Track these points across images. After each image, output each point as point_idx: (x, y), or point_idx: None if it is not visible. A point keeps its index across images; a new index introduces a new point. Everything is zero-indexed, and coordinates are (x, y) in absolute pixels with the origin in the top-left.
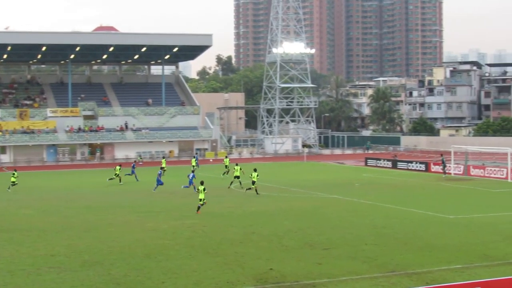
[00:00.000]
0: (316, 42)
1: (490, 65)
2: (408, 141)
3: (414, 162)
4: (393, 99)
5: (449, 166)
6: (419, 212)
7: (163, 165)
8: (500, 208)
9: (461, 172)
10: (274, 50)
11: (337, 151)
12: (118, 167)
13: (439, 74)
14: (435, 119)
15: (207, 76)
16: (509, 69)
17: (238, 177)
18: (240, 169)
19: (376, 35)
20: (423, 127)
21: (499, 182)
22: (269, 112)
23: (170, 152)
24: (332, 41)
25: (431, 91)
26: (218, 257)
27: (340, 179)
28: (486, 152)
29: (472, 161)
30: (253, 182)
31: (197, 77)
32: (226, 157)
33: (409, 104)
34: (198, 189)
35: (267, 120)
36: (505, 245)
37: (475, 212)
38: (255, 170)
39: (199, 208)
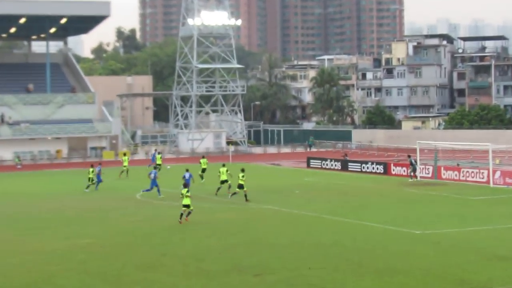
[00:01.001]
0: (243, 11)
1: (464, 39)
2: (361, 136)
3: (370, 163)
4: (342, 82)
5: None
6: (377, 227)
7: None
8: (479, 221)
9: (429, 175)
10: (189, 21)
11: (272, 149)
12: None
13: (400, 51)
14: (396, 107)
15: (104, 55)
16: (488, 43)
17: (225, 181)
18: (227, 171)
19: (319, 2)
20: (380, 118)
21: (478, 187)
22: (184, 100)
23: (57, 152)
24: (264, 10)
25: (389, 72)
26: (121, 286)
27: (275, 185)
28: (461, 149)
29: (443, 160)
30: (240, 186)
31: (91, 56)
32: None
33: (362, 89)
34: (181, 194)
35: (181, 111)
36: (486, 267)
37: (447, 226)
38: (242, 171)
39: (182, 216)
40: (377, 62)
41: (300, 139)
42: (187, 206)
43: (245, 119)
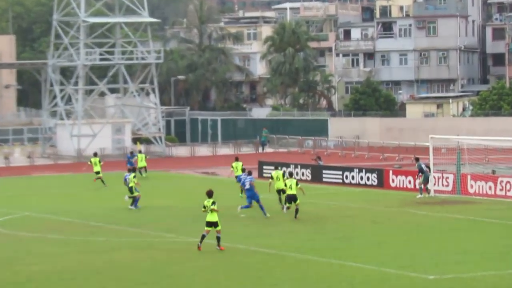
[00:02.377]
0: None
1: None
2: (343, 129)
3: (357, 170)
4: (313, 45)
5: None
6: (372, 269)
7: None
8: None
9: (449, 188)
10: None
11: (203, 150)
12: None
13: None
14: (396, 83)
15: None
16: None
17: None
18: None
19: None
20: (373, 100)
21: None
22: (66, 74)
23: None
24: None
25: (387, 28)
26: None
27: (218, 203)
28: (497, 148)
29: (471, 165)
30: (291, 199)
31: None
32: None
33: (345, 56)
34: (204, 207)
35: (61, 91)
36: None
37: (477, 268)
38: (290, 175)
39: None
40: (367, 13)
41: (247, 133)
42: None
43: (163, 104)
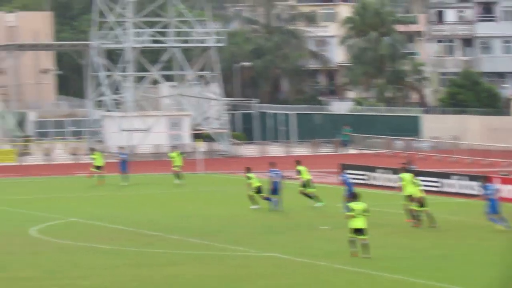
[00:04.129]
0: None
1: None
2: (438, 127)
3: (456, 177)
4: (400, 28)
5: None
6: None
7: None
8: None
9: None
10: None
11: (275, 150)
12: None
13: None
14: (500, 75)
15: None
16: None
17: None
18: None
19: None
20: (473, 94)
21: None
22: (113, 58)
23: None
24: None
25: (488, 10)
26: None
27: (284, 216)
28: None
29: None
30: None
31: None
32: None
33: (438, 42)
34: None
35: (108, 77)
36: None
37: None
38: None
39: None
40: None
41: (325, 131)
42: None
43: (226, 95)
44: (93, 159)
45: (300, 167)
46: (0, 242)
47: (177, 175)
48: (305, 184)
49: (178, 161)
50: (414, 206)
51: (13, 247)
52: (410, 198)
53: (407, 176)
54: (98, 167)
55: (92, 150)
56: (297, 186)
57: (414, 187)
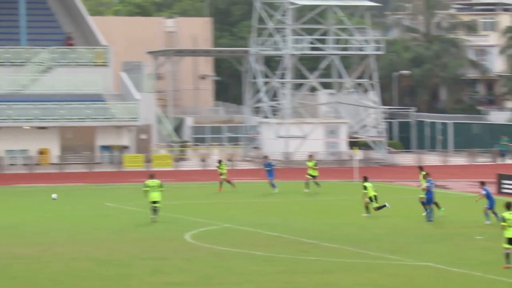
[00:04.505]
0: None
1: None
2: None
3: None
4: None
5: None
6: None
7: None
8: None
9: None
10: None
11: (431, 158)
12: None
13: None
14: None
15: None
16: None
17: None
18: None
19: None
20: None
21: None
22: (271, 64)
23: (42, 152)
24: None
25: None
26: None
27: (438, 225)
28: None
29: None
30: None
31: None
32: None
33: None
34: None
35: (266, 84)
36: None
37: None
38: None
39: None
40: None
41: (483, 141)
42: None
43: (383, 103)
44: (220, 170)
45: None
46: (156, 247)
47: (307, 184)
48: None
49: (313, 171)
50: None
51: (167, 252)
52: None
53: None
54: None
55: (219, 161)
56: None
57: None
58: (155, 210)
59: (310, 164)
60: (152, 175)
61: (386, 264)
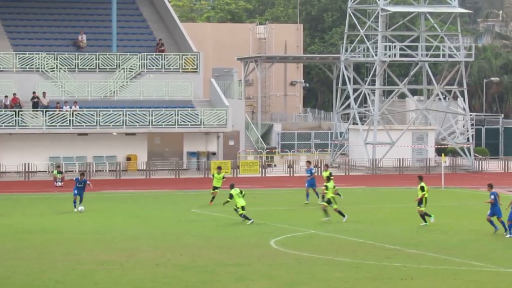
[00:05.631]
0: None
1: None
2: None
3: None
4: None
5: None
6: None
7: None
8: None
9: None
10: None
11: None
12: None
13: None
14: None
15: None
16: None
17: None
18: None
19: None
20: None
21: None
22: (361, 71)
23: (129, 159)
24: None
25: None
26: None
27: None
28: None
29: None
30: None
31: None
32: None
33: None
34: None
35: (355, 90)
36: None
37: None
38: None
39: None
40: None
41: None
42: None
43: (472, 109)
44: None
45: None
46: (241, 253)
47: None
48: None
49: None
50: None
51: (252, 258)
52: None
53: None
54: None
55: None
56: None
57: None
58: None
59: (325, 174)
60: (232, 185)
61: (470, 270)
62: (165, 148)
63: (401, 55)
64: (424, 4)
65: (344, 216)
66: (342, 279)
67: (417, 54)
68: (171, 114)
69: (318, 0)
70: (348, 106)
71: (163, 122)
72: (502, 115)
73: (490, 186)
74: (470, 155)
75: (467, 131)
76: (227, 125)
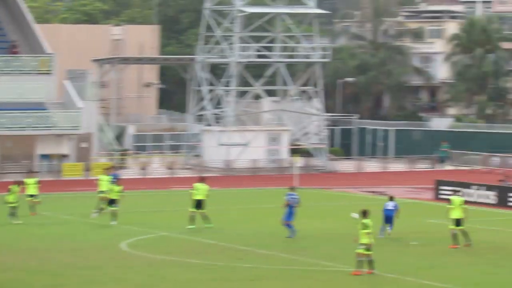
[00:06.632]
0: None
1: None
2: None
3: None
4: (506, 45)
5: None
6: None
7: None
8: None
9: None
10: None
11: (371, 165)
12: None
13: None
14: None
15: None
16: None
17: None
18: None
19: None
20: None
21: None
22: (216, 72)
23: None
24: None
25: None
26: None
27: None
28: None
29: None
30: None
31: None
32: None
33: None
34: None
35: (211, 92)
36: None
37: None
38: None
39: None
40: None
41: (425, 147)
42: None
43: (328, 110)
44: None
45: None
46: (91, 256)
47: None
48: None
49: (104, 185)
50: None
51: (103, 261)
52: (455, 221)
53: (457, 200)
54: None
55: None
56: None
57: (460, 212)
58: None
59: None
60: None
61: (322, 270)
62: (17, 151)
63: (257, 56)
64: (281, 5)
65: None
66: (193, 281)
67: (273, 55)
68: (23, 117)
69: (175, 1)
70: (203, 107)
71: (14, 124)
72: (358, 115)
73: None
74: (323, 155)
75: (321, 131)
76: (80, 127)
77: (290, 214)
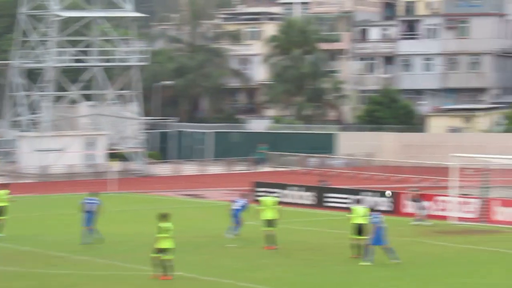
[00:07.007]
0: None
1: None
2: (354, 144)
3: (365, 193)
4: (324, 46)
5: (447, 202)
6: None
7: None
8: None
9: (475, 215)
10: None
11: (190, 168)
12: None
13: None
14: (418, 92)
15: None
16: None
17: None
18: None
19: None
20: (390, 111)
21: None
22: (33, 77)
23: None
24: None
25: (411, 28)
26: None
27: (194, 234)
28: None
29: (502, 189)
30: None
31: None
32: None
33: (361, 59)
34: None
35: (27, 97)
36: None
37: None
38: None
39: None
40: (389, 11)
41: (243, 149)
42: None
43: (146, 113)
44: None
45: None
46: None
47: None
48: None
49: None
50: None
51: None
52: (268, 222)
53: (268, 201)
54: None
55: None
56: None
57: (273, 213)
58: None
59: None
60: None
61: (139, 275)
62: None
63: (74, 61)
64: (98, 9)
65: None
66: None
67: (90, 59)
68: None
69: None
70: (20, 113)
71: None
72: (175, 118)
73: None
74: (140, 159)
75: (139, 135)
76: None
77: (89, 220)
